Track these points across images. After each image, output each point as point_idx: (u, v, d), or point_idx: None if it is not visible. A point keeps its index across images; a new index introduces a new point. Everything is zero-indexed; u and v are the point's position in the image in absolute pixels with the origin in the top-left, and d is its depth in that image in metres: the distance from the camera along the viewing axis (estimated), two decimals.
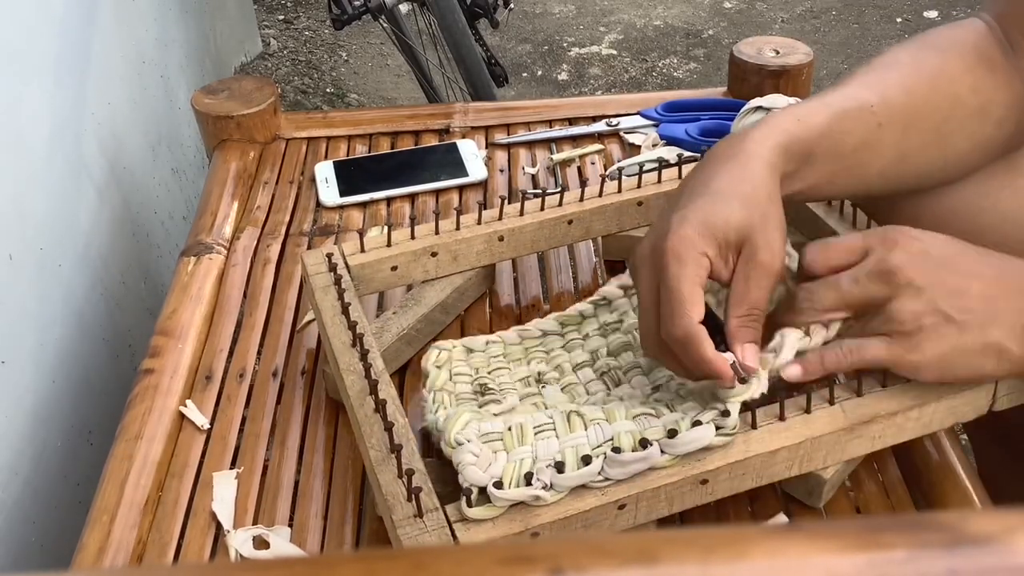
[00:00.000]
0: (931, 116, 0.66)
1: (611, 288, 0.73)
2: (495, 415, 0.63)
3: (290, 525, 0.66)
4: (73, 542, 0.65)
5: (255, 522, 0.66)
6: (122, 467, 0.69)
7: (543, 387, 0.67)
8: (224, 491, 0.67)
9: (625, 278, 0.73)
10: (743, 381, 0.57)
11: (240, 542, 0.64)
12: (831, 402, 0.59)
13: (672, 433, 0.56)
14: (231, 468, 0.70)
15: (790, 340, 0.58)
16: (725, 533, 0.20)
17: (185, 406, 0.74)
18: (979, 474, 0.67)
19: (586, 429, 0.58)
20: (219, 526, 0.65)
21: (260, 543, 0.64)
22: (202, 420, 0.73)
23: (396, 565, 0.19)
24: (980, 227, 0.67)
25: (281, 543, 0.64)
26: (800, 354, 0.59)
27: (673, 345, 0.57)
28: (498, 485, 0.54)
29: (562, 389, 0.67)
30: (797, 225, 0.76)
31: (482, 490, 0.54)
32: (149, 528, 0.66)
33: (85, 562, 0.63)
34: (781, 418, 0.58)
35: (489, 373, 0.69)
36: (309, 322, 0.81)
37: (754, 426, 0.58)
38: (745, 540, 0.20)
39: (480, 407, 0.65)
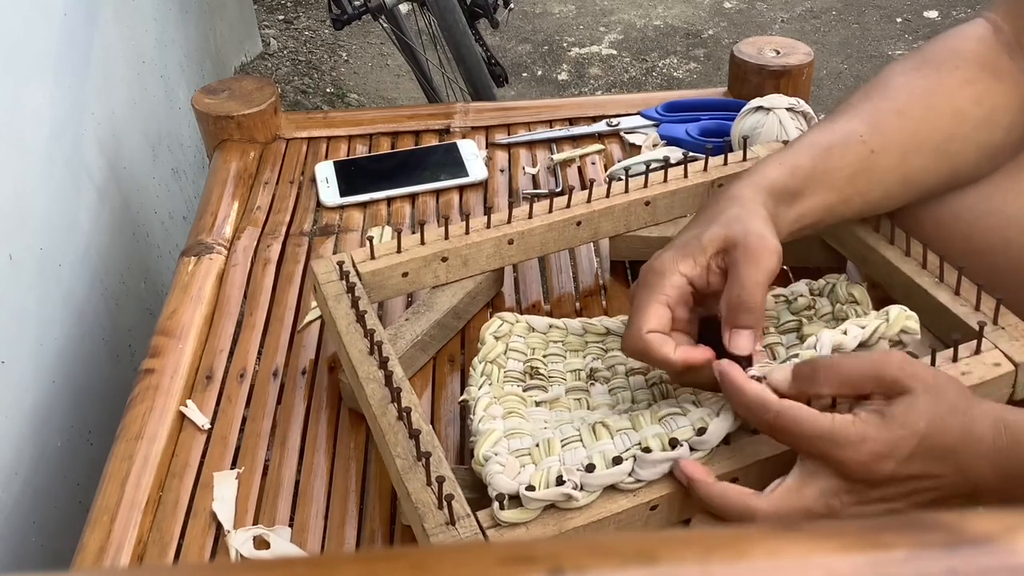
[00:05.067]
0: (931, 136, 0.66)
1: None
2: (536, 403, 0.63)
3: (290, 525, 0.66)
4: (73, 542, 0.65)
5: (255, 522, 0.66)
6: (122, 467, 0.69)
7: (592, 384, 0.67)
8: (224, 491, 0.67)
9: None
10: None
11: (240, 542, 0.64)
12: None
13: (701, 431, 0.56)
14: (231, 468, 0.70)
15: (825, 339, 0.58)
16: (725, 533, 0.20)
17: (185, 406, 0.74)
18: None
19: (612, 438, 0.57)
20: (219, 526, 0.65)
21: (260, 543, 0.64)
22: (202, 420, 0.73)
23: (396, 565, 0.19)
24: (984, 229, 0.67)
25: (281, 543, 0.64)
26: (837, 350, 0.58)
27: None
28: (529, 489, 0.53)
29: (610, 391, 0.66)
30: (840, 244, 0.76)
31: (513, 496, 0.54)
32: (149, 528, 0.66)
33: (85, 562, 0.63)
34: None
35: (544, 357, 0.68)
36: (310, 323, 0.81)
37: None
38: (745, 540, 0.20)
39: (524, 391, 0.65)
